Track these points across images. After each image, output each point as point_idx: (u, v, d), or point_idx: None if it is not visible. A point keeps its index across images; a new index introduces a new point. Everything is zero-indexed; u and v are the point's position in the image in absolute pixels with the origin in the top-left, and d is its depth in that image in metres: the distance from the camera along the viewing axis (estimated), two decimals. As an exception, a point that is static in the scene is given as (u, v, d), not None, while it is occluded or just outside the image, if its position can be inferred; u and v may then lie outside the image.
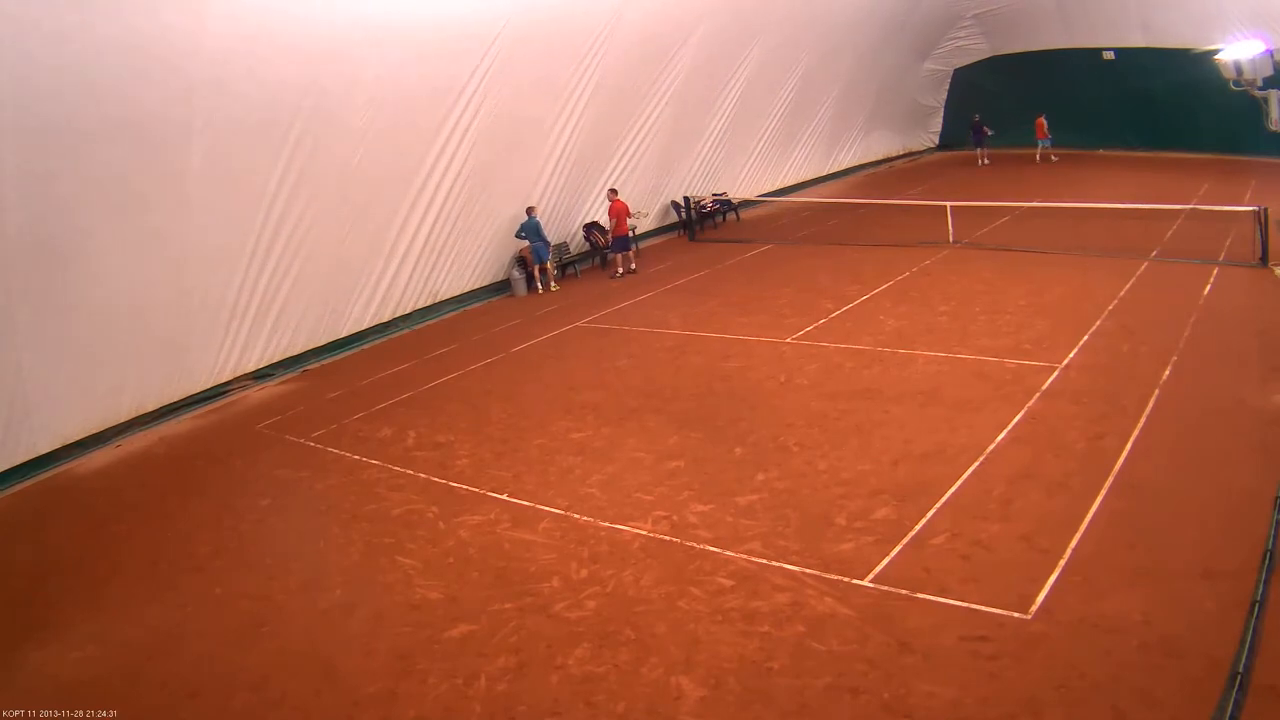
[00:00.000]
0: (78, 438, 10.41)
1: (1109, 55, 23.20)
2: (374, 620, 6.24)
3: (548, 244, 15.95)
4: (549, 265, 16.08)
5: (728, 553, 6.45)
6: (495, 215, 15.48)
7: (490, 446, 9.08)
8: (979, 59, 26.85)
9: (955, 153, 28.34)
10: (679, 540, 6.72)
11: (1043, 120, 24.19)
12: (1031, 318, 10.91)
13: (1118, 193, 17.90)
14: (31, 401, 9.84)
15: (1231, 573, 5.38)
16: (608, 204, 16.60)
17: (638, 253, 17.21)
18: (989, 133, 25.18)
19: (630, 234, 16.70)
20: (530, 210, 15.67)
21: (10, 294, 9.36)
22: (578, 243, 17.44)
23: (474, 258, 15.50)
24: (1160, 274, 12.32)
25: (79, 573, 7.59)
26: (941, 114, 28.96)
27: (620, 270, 16.44)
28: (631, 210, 16.67)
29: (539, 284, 16.03)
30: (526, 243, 15.71)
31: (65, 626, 6.72)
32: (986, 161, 25.31)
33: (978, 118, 25.49)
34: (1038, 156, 24.40)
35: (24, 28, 8.43)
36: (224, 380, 12.05)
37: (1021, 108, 25.28)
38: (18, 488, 9.73)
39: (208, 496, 8.87)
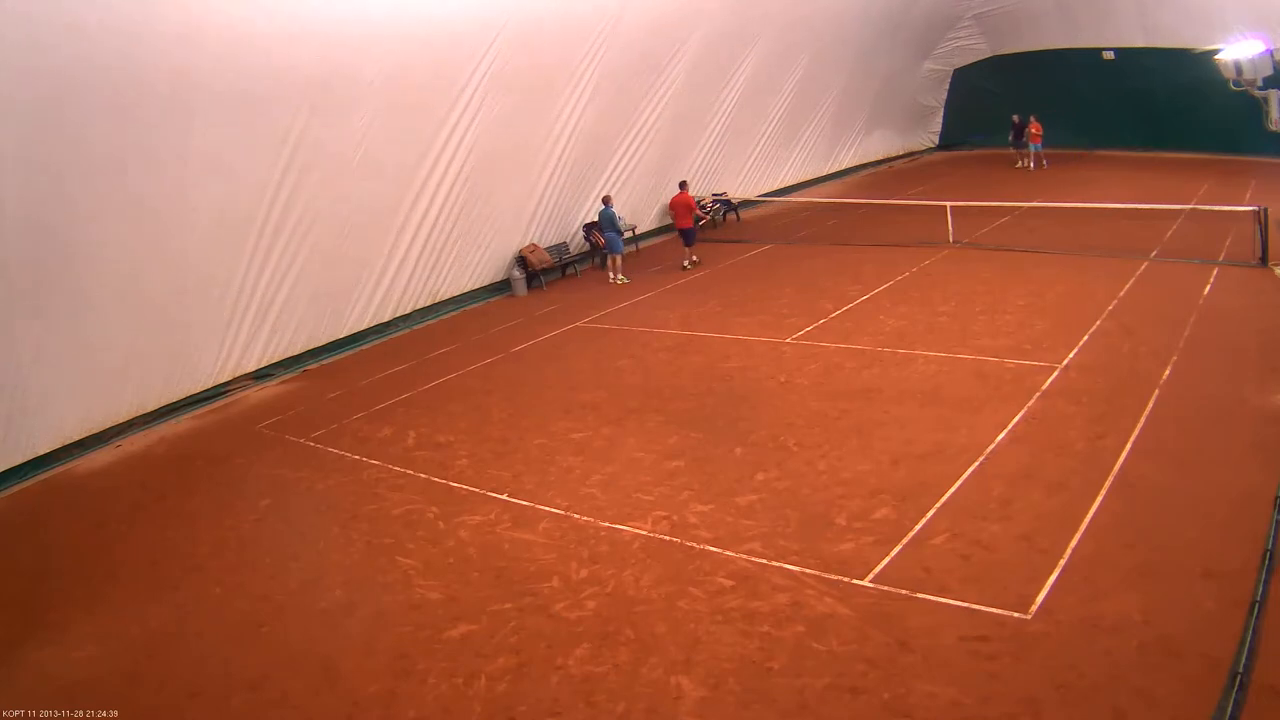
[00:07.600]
0: (78, 437, 10.42)
1: (1109, 55, 23.14)
2: (374, 620, 6.24)
3: (620, 234, 15.86)
4: (618, 259, 15.92)
5: (728, 553, 6.46)
6: (495, 215, 15.49)
7: (490, 446, 9.08)
8: (979, 59, 26.79)
9: (955, 153, 28.33)
10: (679, 540, 6.72)
11: (1037, 124, 23.05)
12: (1031, 318, 10.91)
13: (1118, 193, 17.87)
14: (32, 401, 9.85)
15: (1231, 573, 5.38)
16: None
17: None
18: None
19: (694, 225, 16.50)
20: (606, 200, 15.79)
21: (11, 294, 9.37)
22: (578, 243, 17.43)
23: (474, 258, 15.51)
24: (1160, 274, 12.31)
25: (79, 573, 7.60)
26: (941, 114, 28.93)
27: (685, 263, 16.19)
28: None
29: (611, 275, 15.81)
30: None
31: (65, 626, 6.72)
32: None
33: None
34: (1031, 163, 23.15)
35: (21, 14, 8.42)
36: (224, 380, 12.06)
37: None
38: (18, 488, 9.74)
39: (208, 496, 8.87)
